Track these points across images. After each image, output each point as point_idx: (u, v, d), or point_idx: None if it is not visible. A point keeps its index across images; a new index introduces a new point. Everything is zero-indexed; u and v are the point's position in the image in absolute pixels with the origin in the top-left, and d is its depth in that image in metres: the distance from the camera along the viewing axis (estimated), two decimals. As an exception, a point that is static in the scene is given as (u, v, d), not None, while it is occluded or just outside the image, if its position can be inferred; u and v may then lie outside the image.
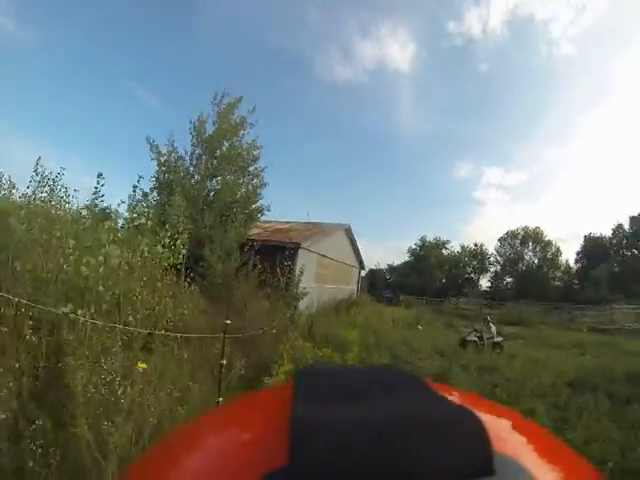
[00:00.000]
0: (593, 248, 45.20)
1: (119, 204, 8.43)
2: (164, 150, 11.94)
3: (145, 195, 11.29)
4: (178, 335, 4.33)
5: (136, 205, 10.80)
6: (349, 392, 0.46)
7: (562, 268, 46.89)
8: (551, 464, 0.43)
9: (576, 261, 47.04)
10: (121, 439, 2.30)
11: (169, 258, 5.52)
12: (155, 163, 11.91)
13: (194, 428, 0.54)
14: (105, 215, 8.07)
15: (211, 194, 11.88)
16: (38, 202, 5.65)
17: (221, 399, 3.45)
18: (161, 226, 6.77)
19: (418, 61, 74.12)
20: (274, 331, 7.06)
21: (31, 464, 2.13)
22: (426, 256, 47.55)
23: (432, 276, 45.56)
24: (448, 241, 51.02)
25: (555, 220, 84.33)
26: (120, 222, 8.14)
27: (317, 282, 14.67)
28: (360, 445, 0.32)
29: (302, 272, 11.77)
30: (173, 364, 3.77)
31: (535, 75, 75.61)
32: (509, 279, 48.93)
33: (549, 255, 46.94)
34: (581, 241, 47.86)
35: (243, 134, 12.75)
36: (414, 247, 50.14)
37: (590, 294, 35.01)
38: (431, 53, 75.36)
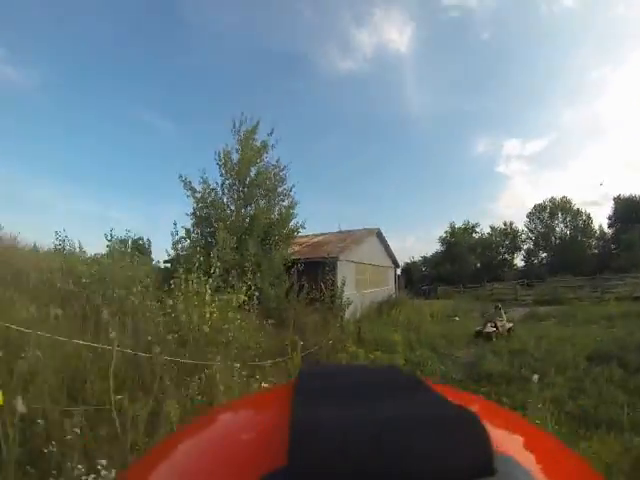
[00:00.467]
0: (625, 210, 43.58)
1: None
2: (198, 187, 12.89)
3: (188, 232, 12.72)
4: (264, 361, 5.73)
5: (179, 242, 12.35)
6: (349, 392, 0.46)
7: (597, 235, 45.60)
8: (551, 464, 0.43)
9: (609, 225, 45.63)
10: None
11: (247, 302, 6.93)
12: (192, 200, 12.89)
13: (194, 428, 0.55)
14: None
15: (247, 220, 12.71)
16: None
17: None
18: (207, 258, 8.23)
19: (418, 41, 72.75)
20: (330, 342, 8.45)
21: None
22: (457, 243, 47.18)
23: (466, 262, 45.18)
24: (477, 224, 50.54)
25: (585, 183, 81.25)
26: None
27: (357, 289, 15.89)
28: (360, 446, 0.32)
29: (344, 283, 13.12)
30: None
31: (539, 36, 72.79)
32: (543, 254, 48.02)
33: (580, 224, 45.78)
34: (612, 204, 46.10)
35: (266, 156, 13.58)
36: (444, 235, 49.81)
37: (624, 260, 34.23)
38: (430, 31, 73.53)
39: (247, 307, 6.88)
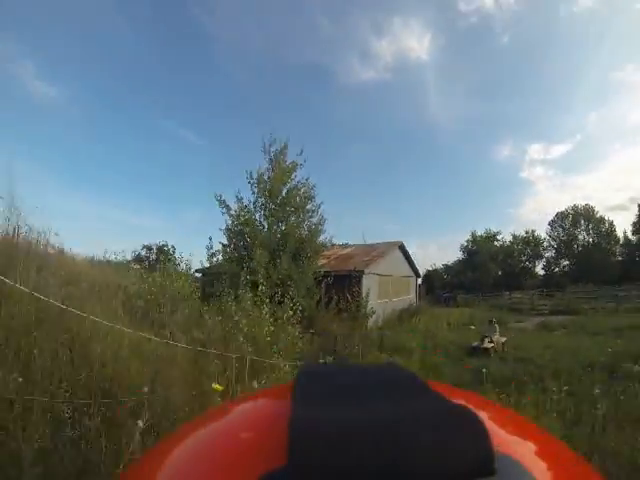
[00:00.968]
0: None
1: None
2: (233, 205, 13.89)
3: (224, 247, 13.93)
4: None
5: (213, 255, 13.66)
6: (349, 392, 0.46)
7: (621, 242, 45.02)
8: (551, 464, 0.43)
9: (633, 232, 44.83)
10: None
11: (292, 317, 8.27)
12: (228, 217, 13.89)
13: (194, 428, 0.55)
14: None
15: (279, 237, 13.59)
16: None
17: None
18: (242, 271, 9.58)
19: (438, 48, 74.49)
20: (357, 347, 9.79)
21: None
22: (478, 251, 47.50)
23: (487, 270, 45.35)
24: (499, 232, 50.85)
25: (611, 187, 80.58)
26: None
27: (380, 298, 17.19)
28: (359, 445, 0.32)
29: (368, 294, 14.43)
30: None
31: (560, 37, 73.24)
32: (566, 262, 47.81)
33: (603, 231, 45.60)
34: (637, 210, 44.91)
35: (295, 175, 14.48)
36: (465, 244, 50.28)
37: None
38: (449, 38, 74.98)
39: (293, 320, 8.19)
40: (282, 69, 76.45)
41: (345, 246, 20.90)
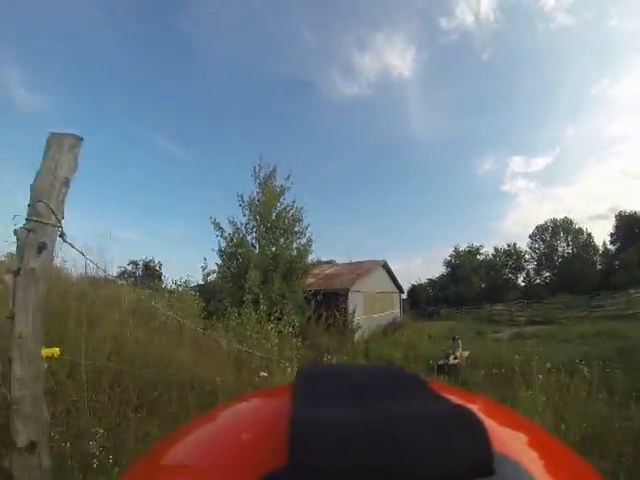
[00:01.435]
0: (627, 226, 44.26)
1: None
2: (227, 228, 14.83)
3: (220, 267, 15.02)
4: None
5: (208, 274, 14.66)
6: (349, 392, 0.46)
7: (600, 252, 46.28)
8: (551, 464, 0.43)
9: (611, 242, 46.58)
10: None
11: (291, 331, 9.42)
12: (221, 240, 14.88)
13: (194, 428, 0.55)
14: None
15: (269, 257, 14.37)
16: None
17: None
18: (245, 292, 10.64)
19: (419, 64, 76.70)
20: (345, 358, 10.92)
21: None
22: (461, 265, 48.69)
23: (470, 284, 46.24)
24: (481, 246, 52.17)
25: (592, 197, 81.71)
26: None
27: (366, 314, 18.33)
28: (359, 445, 0.32)
29: (355, 310, 15.60)
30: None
31: (537, 53, 75.95)
32: (547, 274, 48.79)
33: (581, 243, 46.76)
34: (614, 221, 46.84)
35: (284, 199, 15.45)
36: (449, 258, 51.45)
37: (621, 278, 34.86)
38: (430, 54, 77.62)
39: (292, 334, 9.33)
40: (266, 82, 78.45)
41: (331, 264, 22.13)
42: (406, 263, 76.98)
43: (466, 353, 12.33)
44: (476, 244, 52.63)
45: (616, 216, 47.09)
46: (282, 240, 15.17)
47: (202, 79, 75.97)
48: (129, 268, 36.66)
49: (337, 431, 0.33)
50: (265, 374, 4.77)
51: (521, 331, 19.01)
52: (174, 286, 12.22)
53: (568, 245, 48.16)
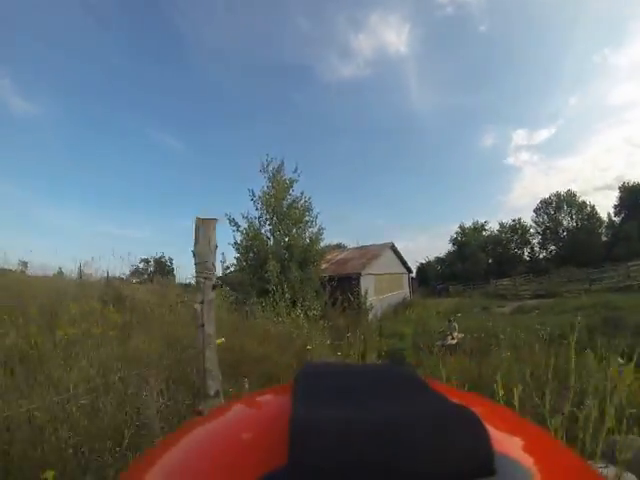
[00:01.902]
0: (631, 198, 43.99)
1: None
2: (242, 223, 15.57)
3: (239, 260, 16.02)
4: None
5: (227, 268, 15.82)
6: (349, 391, 0.46)
7: (606, 224, 46.12)
8: (551, 464, 0.43)
9: (615, 214, 46.51)
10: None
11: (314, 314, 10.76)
12: (238, 235, 15.63)
13: (194, 428, 0.55)
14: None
15: (284, 248, 15.26)
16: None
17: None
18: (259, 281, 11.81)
19: (416, 41, 77.00)
20: (361, 336, 12.27)
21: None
22: (467, 242, 49.19)
23: (477, 260, 46.72)
24: (486, 222, 52.75)
25: (597, 167, 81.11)
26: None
27: (377, 295, 19.73)
28: (360, 445, 0.32)
29: (367, 292, 16.95)
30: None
31: (536, 22, 75.51)
32: (552, 247, 49.00)
33: (585, 214, 46.70)
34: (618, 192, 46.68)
35: (293, 190, 16.12)
36: (454, 236, 52.01)
37: (622, 250, 35.44)
38: (427, 29, 77.77)
39: (315, 316, 10.58)
40: (263, 70, 78.94)
41: (342, 250, 23.47)
42: (413, 241, 78.02)
43: (461, 335, 12.85)
44: (481, 221, 53.22)
45: (620, 187, 47.12)
46: (294, 230, 15.91)
47: (198, 71, 76.47)
48: (141, 265, 37.05)
49: (337, 430, 0.34)
50: (309, 347, 6.08)
51: (524, 305, 20.08)
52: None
53: (572, 218, 48.24)
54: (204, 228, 2.79)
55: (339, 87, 76.53)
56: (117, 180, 72.76)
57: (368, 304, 16.53)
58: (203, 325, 2.68)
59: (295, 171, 16.29)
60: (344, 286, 16.27)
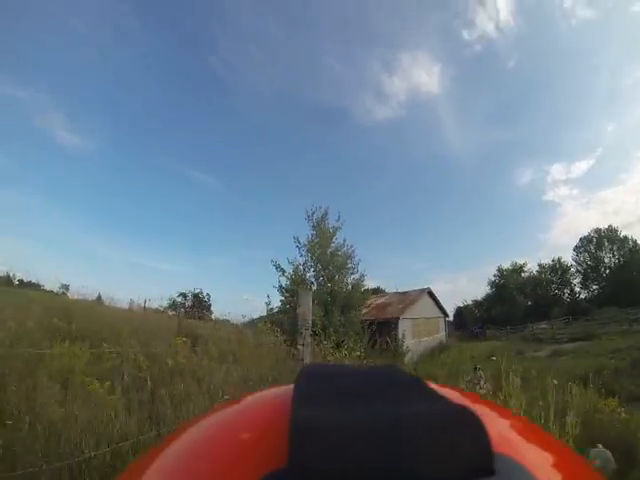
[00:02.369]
0: None
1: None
2: (288, 269, 16.57)
3: (283, 302, 16.90)
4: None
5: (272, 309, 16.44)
6: (350, 393, 0.46)
7: None
8: (551, 464, 0.43)
9: None
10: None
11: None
12: (284, 279, 16.60)
13: (194, 428, 0.55)
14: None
15: (327, 293, 16.19)
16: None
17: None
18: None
19: (447, 79, 76.74)
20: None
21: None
22: (506, 284, 48.82)
23: (516, 302, 46.29)
24: (525, 264, 52.28)
25: None
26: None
27: (414, 338, 20.75)
28: (360, 446, 0.32)
29: (404, 335, 18.07)
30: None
31: (563, 53, 74.12)
32: (595, 286, 47.86)
33: (628, 251, 45.63)
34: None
35: (336, 238, 17.25)
36: (492, 278, 51.65)
37: None
38: (457, 67, 77.78)
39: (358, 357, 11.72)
40: (300, 113, 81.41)
41: (382, 295, 24.76)
42: (452, 283, 77.01)
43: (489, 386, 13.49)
44: (520, 262, 52.76)
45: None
46: (337, 276, 17.00)
47: (236, 114, 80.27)
48: (179, 300, 37.71)
49: (337, 432, 0.33)
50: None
51: (559, 348, 20.39)
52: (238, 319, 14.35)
53: (614, 255, 47.30)
54: (305, 295, 4.39)
55: (375, 129, 78.61)
56: (154, 215, 78.19)
57: (405, 347, 17.55)
58: (303, 359, 4.26)
59: (338, 220, 17.53)
60: (383, 329, 17.20)
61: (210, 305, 37.21)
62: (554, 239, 76.74)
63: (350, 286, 17.37)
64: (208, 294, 40.88)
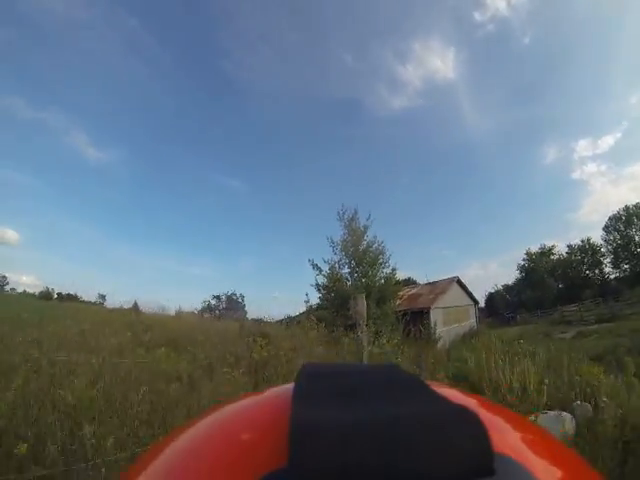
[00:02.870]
0: None
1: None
2: (324, 267, 17.86)
3: (321, 299, 18.47)
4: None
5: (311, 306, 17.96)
6: (349, 392, 0.46)
7: None
8: (551, 464, 0.44)
9: None
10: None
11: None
12: (321, 278, 17.94)
13: (194, 428, 0.55)
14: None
15: (363, 287, 16.85)
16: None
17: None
18: (340, 318, 14.55)
19: (463, 63, 76.64)
20: (432, 361, 15.03)
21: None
22: (535, 268, 48.81)
23: (545, 286, 46.27)
24: (553, 246, 51.91)
25: None
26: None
27: (445, 325, 22.21)
28: (360, 446, 0.32)
29: (436, 324, 19.58)
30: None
31: (580, 23, 71.72)
32: (626, 266, 46.98)
33: None
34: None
35: (367, 237, 18.34)
36: (522, 262, 51.56)
37: None
38: (471, 50, 77.07)
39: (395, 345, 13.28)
40: (317, 108, 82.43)
41: (413, 286, 26.27)
42: (483, 269, 77.13)
43: None
44: (548, 244, 52.38)
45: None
46: (370, 272, 18.12)
47: (256, 118, 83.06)
48: (213, 302, 39.40)
49: (337, 431, 0.34)
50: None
51: (585, 330, 21.43)
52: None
53: None
54: (360, 298, 6.05)
55: (393, 118, 79.80)
56: (179, 219, 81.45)
57: (437, 335, 19.02)
58: (362, 343, 6.01)
59: (368, 218, 18.72)
60: (416, 319, 18.42)
61: (244, 305, 38.06)
62: (583, 218, 75.68)
63: (383, 280, 18.43)
64: (242, 295, 41.94)
